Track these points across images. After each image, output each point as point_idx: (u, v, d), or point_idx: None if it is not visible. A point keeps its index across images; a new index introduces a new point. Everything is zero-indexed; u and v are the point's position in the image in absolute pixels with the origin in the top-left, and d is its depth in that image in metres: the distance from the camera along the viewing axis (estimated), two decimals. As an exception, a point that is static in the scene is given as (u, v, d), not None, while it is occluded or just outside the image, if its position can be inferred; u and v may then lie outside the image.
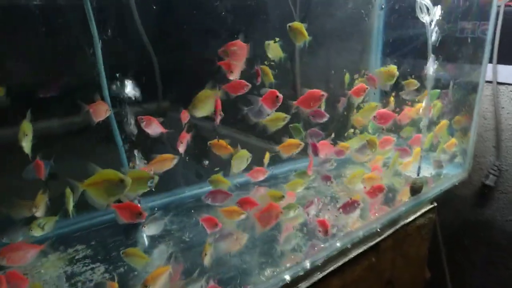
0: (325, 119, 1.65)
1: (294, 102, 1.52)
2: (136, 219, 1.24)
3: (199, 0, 1.65)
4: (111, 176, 1.05)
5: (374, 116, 1.75)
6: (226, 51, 1.32)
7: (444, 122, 2.27)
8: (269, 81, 1.56)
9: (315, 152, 1.71)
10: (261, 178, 1.71)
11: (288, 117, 1.54)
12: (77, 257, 1.47)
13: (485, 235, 2.75)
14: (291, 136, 1.68)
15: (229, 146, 1.54)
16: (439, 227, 2.70)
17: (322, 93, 1.50)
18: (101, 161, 1.08)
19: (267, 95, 1.44)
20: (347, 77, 1.94)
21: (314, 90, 1.52)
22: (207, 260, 1.31)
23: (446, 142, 2.33)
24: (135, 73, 1.41)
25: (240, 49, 1.36)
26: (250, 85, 1.43)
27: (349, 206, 1.70)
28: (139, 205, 1.66)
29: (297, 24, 1.43)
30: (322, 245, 1.59)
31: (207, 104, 1.34)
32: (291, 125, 1.70)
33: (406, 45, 2.09)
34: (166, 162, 1.42)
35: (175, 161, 1.43)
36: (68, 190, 1.26)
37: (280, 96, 1.42)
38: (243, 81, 1.41)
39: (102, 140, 1.55)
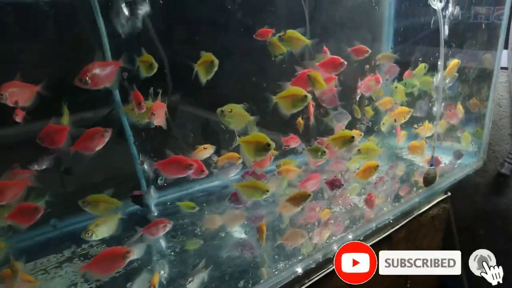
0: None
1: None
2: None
3: None
4: (261, 139, 1.22)
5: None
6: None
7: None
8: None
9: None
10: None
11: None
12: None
13: (501, 224, 2.70)
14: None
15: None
16: (453, 217, 2.66)
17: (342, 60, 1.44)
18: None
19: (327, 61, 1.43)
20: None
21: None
22: None
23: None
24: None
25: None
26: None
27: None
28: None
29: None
30: (334, 238, 1.58)
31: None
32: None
33: (417, 33, 2.04)
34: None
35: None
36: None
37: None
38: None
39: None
